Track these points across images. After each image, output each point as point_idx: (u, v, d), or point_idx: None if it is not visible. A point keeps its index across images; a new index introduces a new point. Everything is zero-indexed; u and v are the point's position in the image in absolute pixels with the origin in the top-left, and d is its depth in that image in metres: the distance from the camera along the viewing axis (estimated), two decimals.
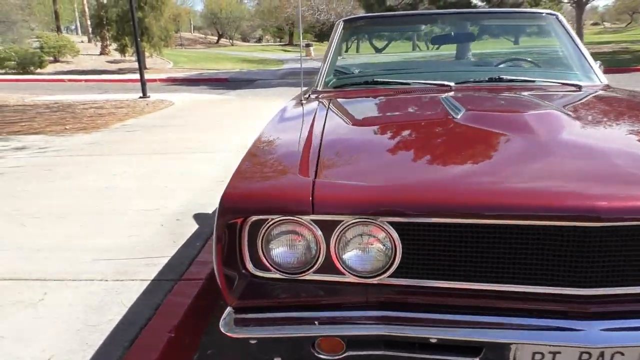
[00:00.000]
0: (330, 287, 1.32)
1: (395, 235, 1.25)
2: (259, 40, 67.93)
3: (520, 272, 1.23)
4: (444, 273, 1.27)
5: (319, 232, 1.27)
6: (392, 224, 1.24)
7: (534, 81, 2.59)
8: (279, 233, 1.30)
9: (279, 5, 38.62)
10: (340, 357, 1.32)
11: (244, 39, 63.74)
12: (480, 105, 2.06)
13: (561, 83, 2.57)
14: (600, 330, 1.20)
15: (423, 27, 3.19)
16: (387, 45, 4.19)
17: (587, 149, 1.45)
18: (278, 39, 61.06)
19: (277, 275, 1.31)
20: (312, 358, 1.34)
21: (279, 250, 1.32)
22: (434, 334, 1.26)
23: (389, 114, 2.18)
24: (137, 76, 18.45)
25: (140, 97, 10.83)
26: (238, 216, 1.27)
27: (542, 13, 2.99)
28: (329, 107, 2.19)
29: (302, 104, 2.46)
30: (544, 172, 1.30)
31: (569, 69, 2.72)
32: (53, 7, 28.76)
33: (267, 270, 1.31)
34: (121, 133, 6.64)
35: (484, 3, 18.53)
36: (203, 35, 57.42)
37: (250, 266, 1.32)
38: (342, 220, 1.26)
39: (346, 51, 3.19)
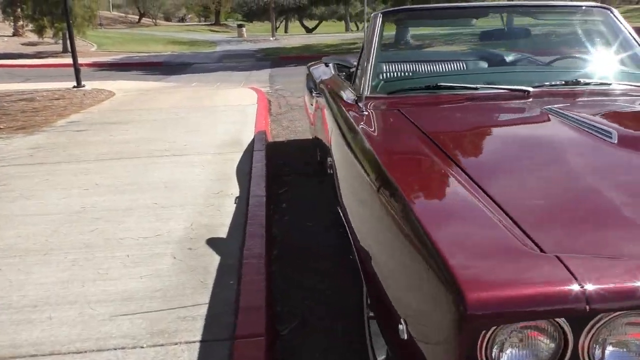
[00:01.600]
0: None
1: None
2: (182, 19, 65.06)
3: None
4: None
5: (569, 329, 0.92)
6: None
7: (610, 84, 2.34)
8: (516, 339, 0.93)
9: None
10: None
11: (167, 19, 60.72)
12: (619, 118, 1.76)
13: (637, 85, 2.35)
14: None
15: (473, 20, 2.87)
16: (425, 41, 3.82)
17: None
18: (203, 19, 58.74)
19: None
20: None
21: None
22: None
23: (518, 141, 1.77)
24: (60, 61, 17.00)
25: (75, 87, 9.76)
26: (490, 327, 0.87)
27: (596, 6, 2.75)
28: (429, 128, 1.80)
29: (367, 117, 2.05)
30: None
31: (638, 67, 2.49)
32: None
33: None
34: (69, 133, 5.84)
35: None
36: (123, 15, 53.98)
37: None
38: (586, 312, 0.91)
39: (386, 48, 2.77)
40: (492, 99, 2.21)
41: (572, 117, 1.74)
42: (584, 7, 2.74)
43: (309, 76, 4.46)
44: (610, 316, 0.91)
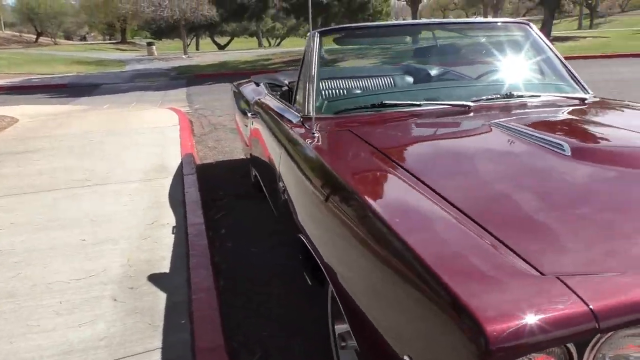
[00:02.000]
0: None
1: None
2: (84, 38, 62.01)
3: None
4: None
5: (574, 349, 0.92)
6: None
7: (539, 95, 2.47)
8: None
9: None
10: None
11: (68, 37, 57.52)
12: (564, 130, 1.84)
13: (564, 96, 2.50)
14: None
15: (407, 38, 2.92)
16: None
17: None
18: (108, 37, 56.27)
19: None
20: None
21: None
22: None
23: (477, 156, 1.78)
24: None
25: None
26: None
27: (515, 22, 2.91)
28: (384, 145, 1.79)
29: (319, 139, 2.00)
30: None
31: (561, 80, 2.65)
32: None
33: None
34: None
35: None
36: (18, 34, 50.41)
37: None
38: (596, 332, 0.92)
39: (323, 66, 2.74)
40: (436, 114, 2.25)
41: (521, 131, 1.80)
42: (504, 23, 2.90)
43: (239, 95, 4.36)
44: (612, 332, 0.93)
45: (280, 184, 2.24)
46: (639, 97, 8.24)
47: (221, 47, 43.20)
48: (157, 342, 2.07)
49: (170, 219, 3.48)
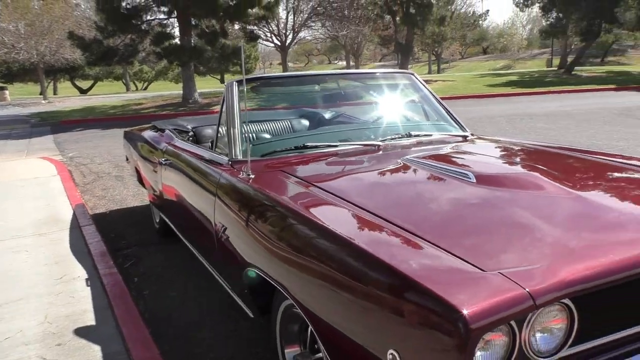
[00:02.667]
0: None
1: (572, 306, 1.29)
2: None
3: None
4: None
5: (516, 326, 1.22)
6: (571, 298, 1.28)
7: (431, 135, 2.91)
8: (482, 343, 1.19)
9: None
10: None
11: None
12: (463, 162, 2.23)
13: (450, 135, 2.97)
14: None
15: (315, 86, 3.22)
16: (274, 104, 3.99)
17: (599, 197, 1.78)
18: None
19: None
20: None
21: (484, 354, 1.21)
22: None
23: (400, 185, 2.12)
24: None
25: None
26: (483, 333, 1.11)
27: (401, 72, 3.38)
28: (318, 181, 2.04)
29: (258, 181, 2.20)
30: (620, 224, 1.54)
31: (445, 120, 3.13)
32: None
33: None
34: None
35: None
36: None
37: None
38: (534, 308, 1.23)
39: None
40: (353, 153, 2.56)
41: (430, 164, 2.17)
42: (393, 73, 3.36)
43: (138, 141, 4.35)
44: (540, 310, 1.24)
45: (218, 224, 2.36)
46: (490, 132, 9.55)
47: (83, 92, 40.86)
48: None
49: (80, 272, 3.36)
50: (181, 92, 20.84)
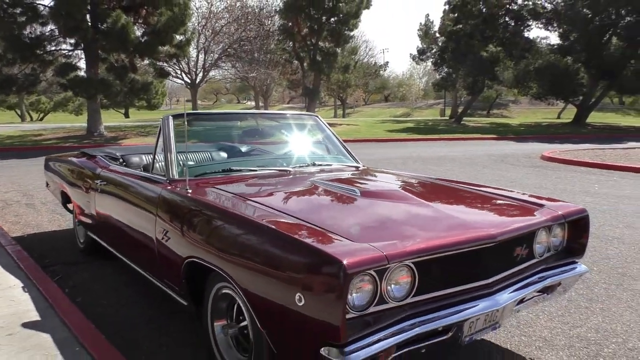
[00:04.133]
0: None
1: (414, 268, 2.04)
2: None
3: (468, 274, 2.21)
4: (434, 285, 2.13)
5: (378, 278, 1.94)
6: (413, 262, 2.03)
7: (331, 164, 3.68)
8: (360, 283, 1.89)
9: None
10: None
11: None
12: (353, 183, 2.99)
13: (346, 165, 3.75)
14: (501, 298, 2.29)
15: (238, 122, 3.85)
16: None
17: (442, 205, 2.60)
18: None
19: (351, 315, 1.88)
20: None
21: (358, 295, 1.90)
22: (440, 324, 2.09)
23: (302, 194, 2.85)
24: None
25: None
26: (357, 276, 1.80)
27: (308, 114, 4.16)
28: (244, 192, 2.71)
29: (198, 193, 2.80)
30: (456, 221, 2.35)
31: (342, 154, 3.92)
32: None
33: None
34: None
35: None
36: None
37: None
38: (389, 267, 1.96)
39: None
40: (269, 175, 3.23)
41: (330, 184, 2.90)
42: (301, 115, 4.12)
43: (67, 167, 4.70)
44: (391, 270, 1.96)
45: (158, 231, 2.88)
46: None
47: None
48: None
49: (15, 282, 3.65)
50: (83, 124, 20.36)
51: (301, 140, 3.90)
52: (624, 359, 2.80)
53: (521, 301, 2.49)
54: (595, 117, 32.70)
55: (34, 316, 3.05)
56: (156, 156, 3.39)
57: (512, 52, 29.14)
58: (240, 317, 2.44)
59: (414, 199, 2.67)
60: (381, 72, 45.17)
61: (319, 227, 2.15)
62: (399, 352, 2.00)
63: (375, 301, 1.95)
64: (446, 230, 2.28)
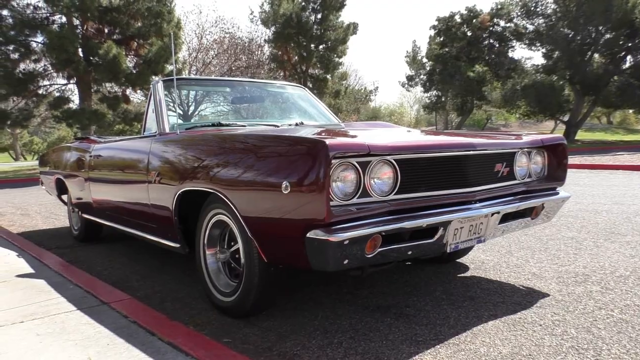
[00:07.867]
0: None
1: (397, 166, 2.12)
2: None
3: (451, 180, 2.29)
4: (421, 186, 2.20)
5: (361, 171, 2.01)
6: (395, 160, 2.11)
7: (317, 122, 3.77)
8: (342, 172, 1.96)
9: None
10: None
11: None
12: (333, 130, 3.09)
13: (329, 123, 3.85)
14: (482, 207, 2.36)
15: (227, 88, 3.97)
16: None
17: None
18: None
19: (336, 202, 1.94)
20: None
21: (341, 185, 1.97)
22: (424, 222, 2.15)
23: None
24: None
25: None
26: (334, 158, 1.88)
27: (297, 85, 4.28)
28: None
29: (182, 135, 2.88)
30: None
31: (324, 116, 4.00)
32: None
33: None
34: None
35: None
36: None
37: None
38: (371, 160, 2.03)
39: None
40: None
41: (316, 127, 3.00)
42: (290, 84, 4.25)
43: (64, 152, 4.77)
44: (373, 163, 2.04)
45: (153, 172, 2.94)
46: None
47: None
48: (56, 295, 2.50)
49: (8, 252, 3.67)
50: None
51: (289, 105, 4.02)
52: (612, 283, 2.85)
53: (505, 219, 2.55)
54: (585, 136, 33.21)
55: (28, 269, 3.09)
56: (147, 120, 3.48)
57: (498, 72, 29.75)
58: (232, 243, 2.49)
59: (399, 127, 2.76)
60: (371, 97, 45.88)
61: (303, 136, 2.24)
62: (384, 248, 2.04)
63: (359, 193, 2.01)
64: (428, 139, 2.38)
